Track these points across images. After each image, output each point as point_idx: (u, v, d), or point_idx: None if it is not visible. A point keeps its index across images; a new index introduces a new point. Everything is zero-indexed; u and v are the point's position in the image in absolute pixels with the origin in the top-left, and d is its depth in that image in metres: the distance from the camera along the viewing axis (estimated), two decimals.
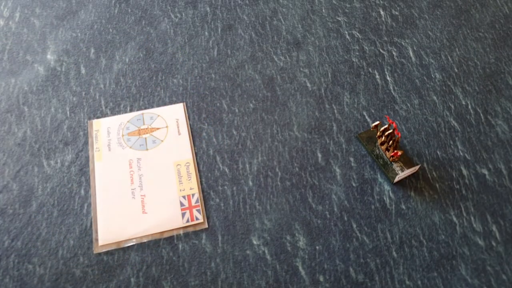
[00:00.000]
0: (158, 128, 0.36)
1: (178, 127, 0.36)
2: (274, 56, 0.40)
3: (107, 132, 0.35)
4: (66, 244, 0.30)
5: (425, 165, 0.34)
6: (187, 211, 0.31)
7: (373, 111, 0.37)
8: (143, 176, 0.33)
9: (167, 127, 0.36)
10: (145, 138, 0.35)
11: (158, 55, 0.40)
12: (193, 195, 0.32)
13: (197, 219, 0.31)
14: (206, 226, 0.31)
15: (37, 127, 0.36)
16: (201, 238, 0.31)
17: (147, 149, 0.34)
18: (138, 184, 0.33)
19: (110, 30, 0.42)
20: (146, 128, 0.35)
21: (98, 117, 0.36)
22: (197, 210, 0.31)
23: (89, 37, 0.42)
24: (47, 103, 0.37)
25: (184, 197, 0.32)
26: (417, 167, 0.33)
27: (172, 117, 0.36)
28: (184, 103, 0.37)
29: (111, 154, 0.34)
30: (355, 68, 0.40)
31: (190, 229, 0.31)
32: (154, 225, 0.31)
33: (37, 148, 0.35)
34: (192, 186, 0.32)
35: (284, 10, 0.44)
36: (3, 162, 0.34)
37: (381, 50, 0.41)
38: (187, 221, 0.31)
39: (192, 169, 0.33)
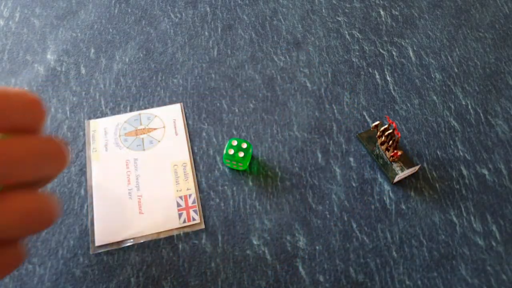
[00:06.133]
0: (155, 129, 0.35)
1: (175, 128, 0.36)
2: (274, 56, 0.40)
3: (104, 132, 0.35)
4: (66, 244, 0.30)
5: (425, 165, 0.34)
6: (184, 212, 0.31)
7: (373, 111, 0.37)
8: (140, 176, 0.33)
9: (164, 127, 0.36)
10: (142, 138, 0.35)
11: (158, 55, 0.40)
12: (189, 195, 0.32)
13: (193, 219, 0.31)
14: (203, 226, 0.31)
15: None
16: (201, 238, 0.31)
17: (144, 150, 0.34)
18: (135, 185, 0.33)
19: (110, 30, 0.42)
20: (143, 129, 0.35)
21: (98, 117, 0.36)
22: (193, 210, 0.31)
23: (89, 37, 0.42)
24: (47, 103, 0.37)
25: (181, 197, 0.32)
26: (417, 167, 0.33)
27: (169, 118, 0.36)
28: (182, 104, 0.37)
29: (108, 154, 0.34)
30: (355, 68, 0.40)
31: (187, 230, 0.31)
32: (151, 225, 0.31)
33: None
34: (189, 186, 0.32)
35: (284, 10, 0.44)
36: None
37: (381, 50, 0.41)
38: (184, 221, 0.31)
39: (189, 169, 0.33)
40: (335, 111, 0.37)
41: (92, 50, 0.41)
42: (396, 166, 0.33)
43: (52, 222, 0.22)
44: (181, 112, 0.36)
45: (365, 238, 0.30)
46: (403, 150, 0.34)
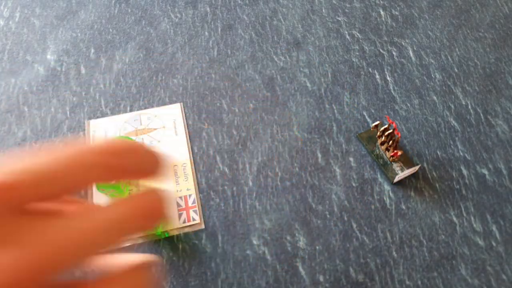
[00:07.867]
0: (155, 129, 0.35)
1: (175, 128, 0.36)
2: (274, 56, 0.40)
3: (105, 133, 0.35)
4: None
5: (425, 165, 0.34)
6: (184, 212, 0.31)
7: (373, 111, 0.37)
8: None
9: (164, 127, 0.36)
10: (142, 138, 0.35)
11: (158, 55, 0.40)
12: (189, 195, 0.32)
13: (193, 219, 0.31)
14: (203, 226, 0.31)
15: (37, 127, 0.36)
16: (201, 238, 0.31)
17: None
18: (135, 185, 0.33)
19: (110, 30, 0.42)
20: (143, 129, 0.35)
21: (98, 117, 0.36)
22: (193, 210, 0.31)
23: (89, 37, 0.42)
24: (47, 103, 0.37)
25: (181, 197, 0.32)
26: (417, 167, 0.33)
27: (169, 118, 0.36)
28: (181, 104, 0.37)
29: None
30: (355, 68, 0.40)
31: (187, 230, 0.31)
32: None
33: (37, 148, 0.35)
34: (189, 186, 0.32)
35: (284, 10, 0.44)
36: None
37: (381, 50, 0.41)
38: (184, 221, 0.31)
39: (189, 169, 0.33)
40: (335, 111, 0.37)
41: (92, 50, 0.41)
42: (396, 166, 0.33)
43: (162, 216, 0.24)
44: (181, 112, 0.36)
45: (365, 238, 0.30)
46: (403, 150, 0.35)
